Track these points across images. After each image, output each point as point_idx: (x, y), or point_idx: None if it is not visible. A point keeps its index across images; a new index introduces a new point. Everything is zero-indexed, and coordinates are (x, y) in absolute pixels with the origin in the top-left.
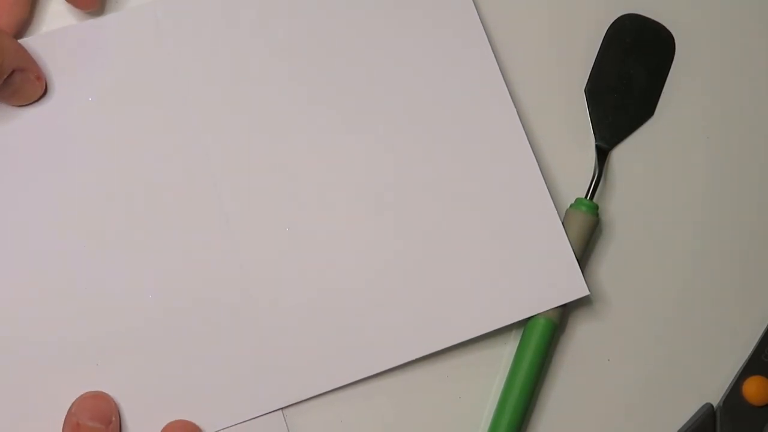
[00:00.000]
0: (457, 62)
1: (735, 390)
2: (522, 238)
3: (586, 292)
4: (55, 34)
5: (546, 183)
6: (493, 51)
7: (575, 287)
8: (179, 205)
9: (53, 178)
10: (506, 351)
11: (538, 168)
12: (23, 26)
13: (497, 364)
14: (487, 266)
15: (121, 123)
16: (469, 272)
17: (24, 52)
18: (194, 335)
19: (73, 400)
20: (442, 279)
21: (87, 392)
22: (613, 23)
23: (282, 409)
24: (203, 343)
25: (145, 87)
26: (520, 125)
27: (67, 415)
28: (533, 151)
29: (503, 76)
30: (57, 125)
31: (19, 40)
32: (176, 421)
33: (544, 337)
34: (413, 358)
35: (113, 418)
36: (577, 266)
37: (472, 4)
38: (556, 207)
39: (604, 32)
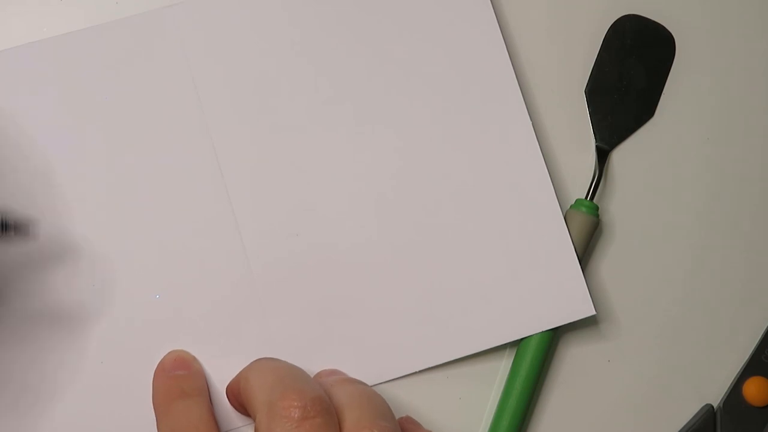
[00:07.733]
0: (472, 64)
1: (735, 391)
2: (529, 254)
3: (593, 312)
4: (64, 36)
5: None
6: None
7: (581, 306)
8: (187, 210)
9: (64, 171)
10: (506, 353)
11: (549, 178)
12: None
13: (497, 366)
14: (492, 281)
15: (131, 130)
16: (474, 287)
17: None
18: (198, 335)
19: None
20: (445, 293)
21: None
22: (613, 24)
23: None
24: (205, 343)
25: (157, 90)
26: (533, 133)
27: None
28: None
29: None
30: (65, 127)
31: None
32: (172, 351)
33: (543, 342)
34: (413, 371)
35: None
36: (585, 285)
37: (490, 4)
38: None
39: (604, 33)
